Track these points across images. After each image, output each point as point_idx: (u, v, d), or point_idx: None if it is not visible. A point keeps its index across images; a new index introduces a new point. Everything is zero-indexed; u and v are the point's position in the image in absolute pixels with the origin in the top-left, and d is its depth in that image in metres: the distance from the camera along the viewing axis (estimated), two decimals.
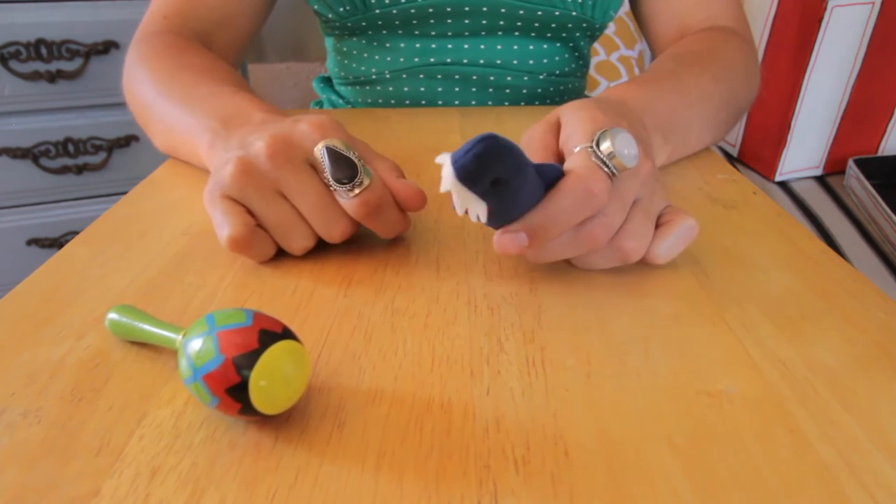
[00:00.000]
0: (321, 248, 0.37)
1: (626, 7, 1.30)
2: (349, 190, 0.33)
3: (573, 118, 0.35)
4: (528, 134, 0.37)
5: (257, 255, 0.35)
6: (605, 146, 0.31)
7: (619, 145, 0.31)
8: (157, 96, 0.48)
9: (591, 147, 0.32)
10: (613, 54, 1.28)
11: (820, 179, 1.11)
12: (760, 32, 1.07)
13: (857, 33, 1.00)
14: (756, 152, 1.13)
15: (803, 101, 1.03)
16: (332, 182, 0.33)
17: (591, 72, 1.26)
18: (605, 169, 0.31)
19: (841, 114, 1.07)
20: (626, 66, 1.28)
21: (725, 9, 0.62)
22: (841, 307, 0.32)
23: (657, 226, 0.34)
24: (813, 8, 0.97)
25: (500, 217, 0.30)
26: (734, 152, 1.18)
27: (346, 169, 0.33)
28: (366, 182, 0.33)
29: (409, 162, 0.50)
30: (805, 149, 1.09)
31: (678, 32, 0.63)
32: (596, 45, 1.27)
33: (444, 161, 0.28)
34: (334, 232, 0.35)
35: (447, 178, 0.28)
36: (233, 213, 0.33)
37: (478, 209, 0.29)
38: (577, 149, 0.32)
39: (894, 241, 0.93)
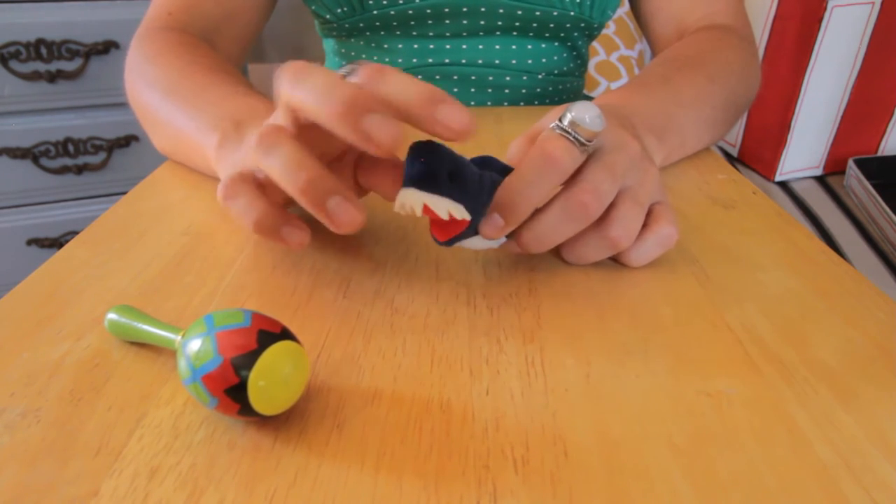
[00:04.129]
0: (320, 249, 0.37)
1: (626, 7, 1.30)
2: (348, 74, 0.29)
3: (549, 119, 0.35)
4: (509, 150, 0.37)
5: (292, 237, 0.31)
6: (566, 118, 0.31)
7: (579, 112, 0.31)
8: (163, 97, 0.46)
9: (555, 124, 0.32)
10: (613, 54, 1.28)
11: (820, 179, 1.11)
12: (760, 32, 1.07)
13: (857, 33, 1.00)
14: (756, 152, 1.13)
15: (803, 101, 1.03)
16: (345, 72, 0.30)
17: (591, 72, 1.26)
18: (569, 137, 0.31)
19: (841, 114, 1.07)
20: (626, 66, 1.28)
21: (725, 6, 0.61)
22: (841, 307, 0.32)
23: (643, 224, 0.34)
24: (813, 8, 0.97)
25: (477, 210, 0.31)
26: (734, 152, 1.18)
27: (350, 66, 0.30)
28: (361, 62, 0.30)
29: None
30: (805, 149, 1.09)
31: (677, 31, 0.63)
32: (596, 44, 1.27)
33: (402, 191, 0.30)
34: (382, 133, 0.27)
35: (413, 196, 0.29)
36: (257, 197, 0.31)
37: (454, 209, 0.30)
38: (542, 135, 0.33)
39: (894, 241, 0.93)
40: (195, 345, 0.23)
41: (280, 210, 0.31)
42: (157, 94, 0.47)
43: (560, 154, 0.30)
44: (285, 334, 0.24)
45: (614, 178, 0.32)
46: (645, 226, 0.34)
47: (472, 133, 0.27)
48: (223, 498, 0.21)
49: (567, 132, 0.31)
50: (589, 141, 0.31)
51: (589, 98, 0.81)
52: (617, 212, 0.33)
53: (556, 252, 0.36)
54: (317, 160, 0.29)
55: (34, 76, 1.07)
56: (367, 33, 0.67)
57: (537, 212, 0.33)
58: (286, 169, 0.28)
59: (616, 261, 0.36)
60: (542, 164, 0.31)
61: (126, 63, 0.53)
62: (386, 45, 0.67)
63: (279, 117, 0.30)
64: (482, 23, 0.64)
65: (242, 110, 0.40)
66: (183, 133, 0.44)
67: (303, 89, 0.28)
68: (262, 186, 0.32)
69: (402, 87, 0.28)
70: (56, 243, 1.20)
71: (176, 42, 0.52)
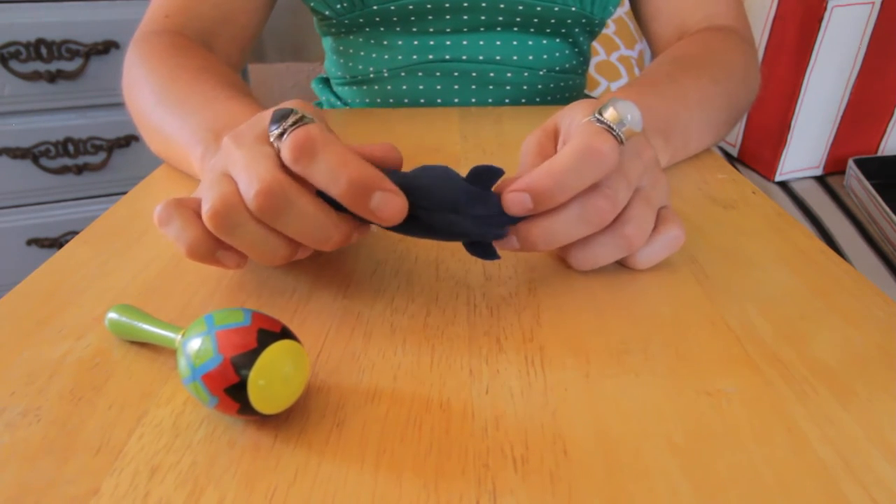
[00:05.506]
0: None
1: (626, 7, 1.30)
2: (280, 135, 0.29)
3: (569, 113, 0.35)
4: (524, 145, 0.37)
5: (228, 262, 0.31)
6: (608, 112, 0.31)
7: (623, 109, 0.31)
8: (155, 103, 0.47)
9: (594, 116, 0.31)
10: (613, 54, 1.28)
11: (820, 179, 1.11)
12: (760, 32, 1.07)
13: (857, 33, 1.00)
14: (756, 152, 1.13)
15: (803, 101, 1.03)
16: (271, 135, 0.30)
17: (591, 72, 1.26)
18: (612, 133, 0.31)
19: (841, 114, 1.07)
20: (626, 66, 1.28)
21: (725, 8, 0.61)
22: (840, 307, 0.32)
23: None
24: (813, 8, 0.97)
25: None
26: (734, 152, 1.18)
27: (281, 115, 0.29)
28: (293, 118, 0.29)
29: (408, 162, 0.50)
30: (805, 149, 1.09)
31: (678, 32, 0.63)
32: (596, 44, 1.27)
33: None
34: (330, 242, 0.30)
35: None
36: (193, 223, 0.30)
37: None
38: (581, 124, 0.32)
39: (894, 241, 0.93)
40: (195, 344, 0.23)
41: (213, 234, 0.30)
42: (149, 99, 0.47)
43: (608, 150, 0.30)
44: (285, 333, 0.24)
45: (629, 185, 0.32)
46: (653, 228, 0.34)
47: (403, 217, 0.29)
48: (223, 496, 0.22)
49: (611, 128, 0.31)
50: (626, 140, 0.31)
51: (589, 98, 0.81)
52: (631, 211, 0.33)
53: (556, 252, 0.36)
54: (271, 233, 0.30)
55: (34, 76, 1.07)
56: (367, 29, 0.67)
57: (550, 211, 0.32)
58: (248, 248, 0.30)
59: (621, 263, 0.36)
60: (590, 156, 0.30)
61: (124, 65, 0.53)
62: (385, 42, 0.67)
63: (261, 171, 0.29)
64: (483, 18, 0.64)
65: (222, 118, 0.40)
66: (172, 140, 0.44)
67: (314, 167, 0.28)
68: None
69: (333, 174, 0.28)
70: (56, 243, 1.20)
71: (168, 45, 0.52)
